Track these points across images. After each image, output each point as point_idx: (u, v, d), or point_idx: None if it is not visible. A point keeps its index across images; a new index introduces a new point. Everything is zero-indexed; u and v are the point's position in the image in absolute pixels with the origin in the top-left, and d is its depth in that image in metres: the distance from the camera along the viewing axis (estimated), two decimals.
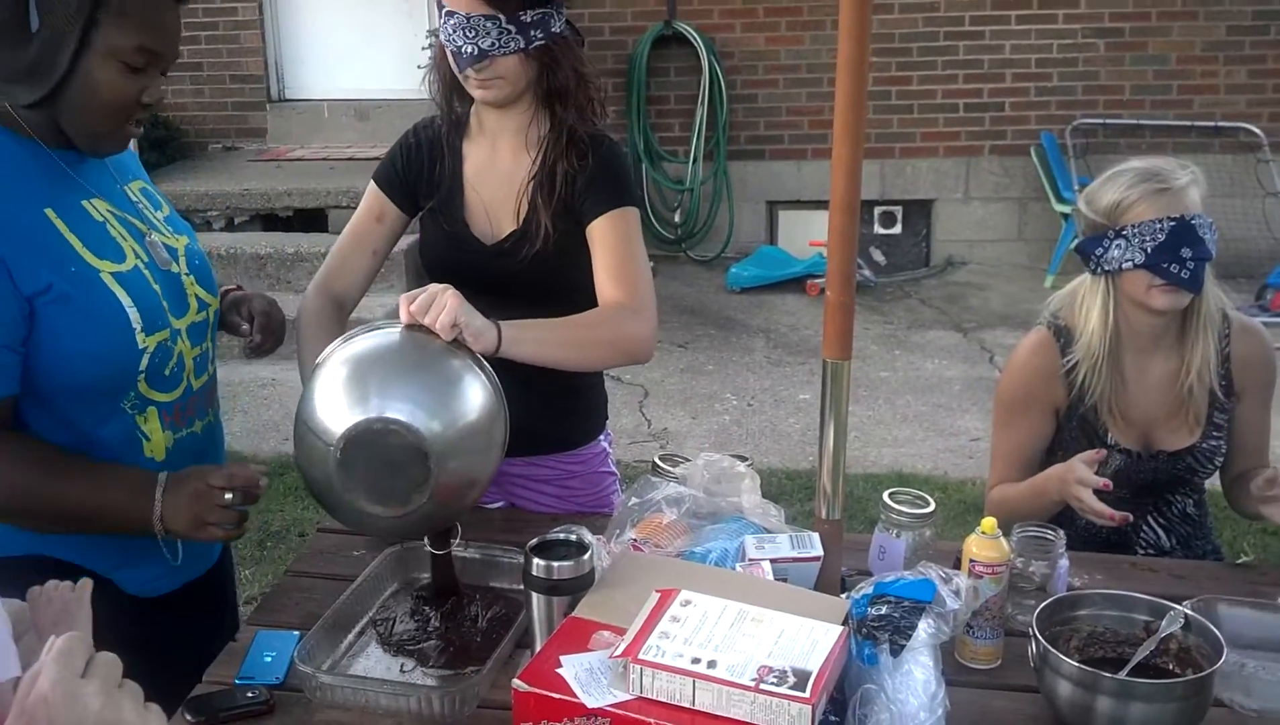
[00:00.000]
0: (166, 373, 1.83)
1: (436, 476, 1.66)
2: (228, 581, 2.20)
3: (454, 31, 2.04)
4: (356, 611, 1.93)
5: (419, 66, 2.25)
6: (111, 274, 1.75)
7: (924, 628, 1.69)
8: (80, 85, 1.66)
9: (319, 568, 2.14)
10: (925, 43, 7.45)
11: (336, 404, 1.68)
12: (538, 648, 1.74)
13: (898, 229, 7.79)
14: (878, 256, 7.77)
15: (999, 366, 6.08)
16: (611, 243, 2.10)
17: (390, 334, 1.77)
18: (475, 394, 1.75)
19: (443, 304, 1.76)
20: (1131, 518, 2.21)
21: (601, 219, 2.12)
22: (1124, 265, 2.23)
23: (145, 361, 1.78)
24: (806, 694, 1.46)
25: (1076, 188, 7.12)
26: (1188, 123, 7.31)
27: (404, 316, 1.78)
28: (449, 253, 2.21)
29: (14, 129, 1.72)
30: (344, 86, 7.73)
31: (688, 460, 2.16)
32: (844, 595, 1.80)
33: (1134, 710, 1.61)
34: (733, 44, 7.47)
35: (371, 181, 2.28)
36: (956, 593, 1.74)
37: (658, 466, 2.14)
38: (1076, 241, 2.35)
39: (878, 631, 1.68)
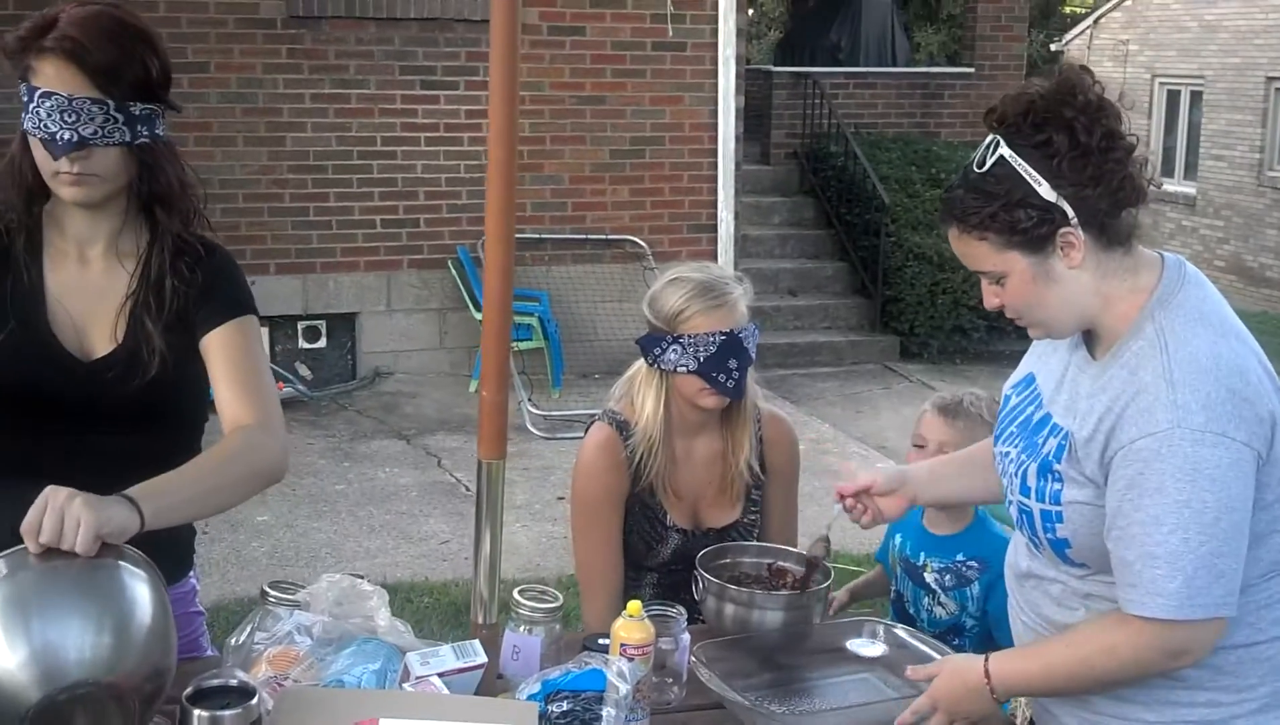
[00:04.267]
0: None
1: (138, 711, 1.49)
2: None
3: (48, 116, 1.80)
4: None
5: None
6: None
7: (606, 716, 1.74)
8: None
9: None
10: (340, 161, 7.56)
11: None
12: None
13: (323, 343, 7.75)
14: (304, 371, 7.67)
15: (448, 469, 6.25)
16: (233, 355, 1.94)
17: (23, 571, 1.54)
18: (143, 597, 1.58)
19: (75, 519, 1.55)
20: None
21: (220, 330, 1.95)
22: (679, 368, 2.43)
23: None
24: None
25: None
26: (583, 236, 8.03)
27: (33, 548, 1.55)
28: (32, 374, 1.91)
29: None
30: None
31: (298, 586, 2.04)
32: (511, 697, 1.80)
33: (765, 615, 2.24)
34: None
35: None
36: (622, 675, 1.81)
37: (270, 594, 2.00)
38: (640, 337, 2.52)
39: None
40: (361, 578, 2.04)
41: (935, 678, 1.89)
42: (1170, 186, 14.79)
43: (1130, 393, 1.72)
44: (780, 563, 2.42)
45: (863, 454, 6.84)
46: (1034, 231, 1.71)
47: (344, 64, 7.55)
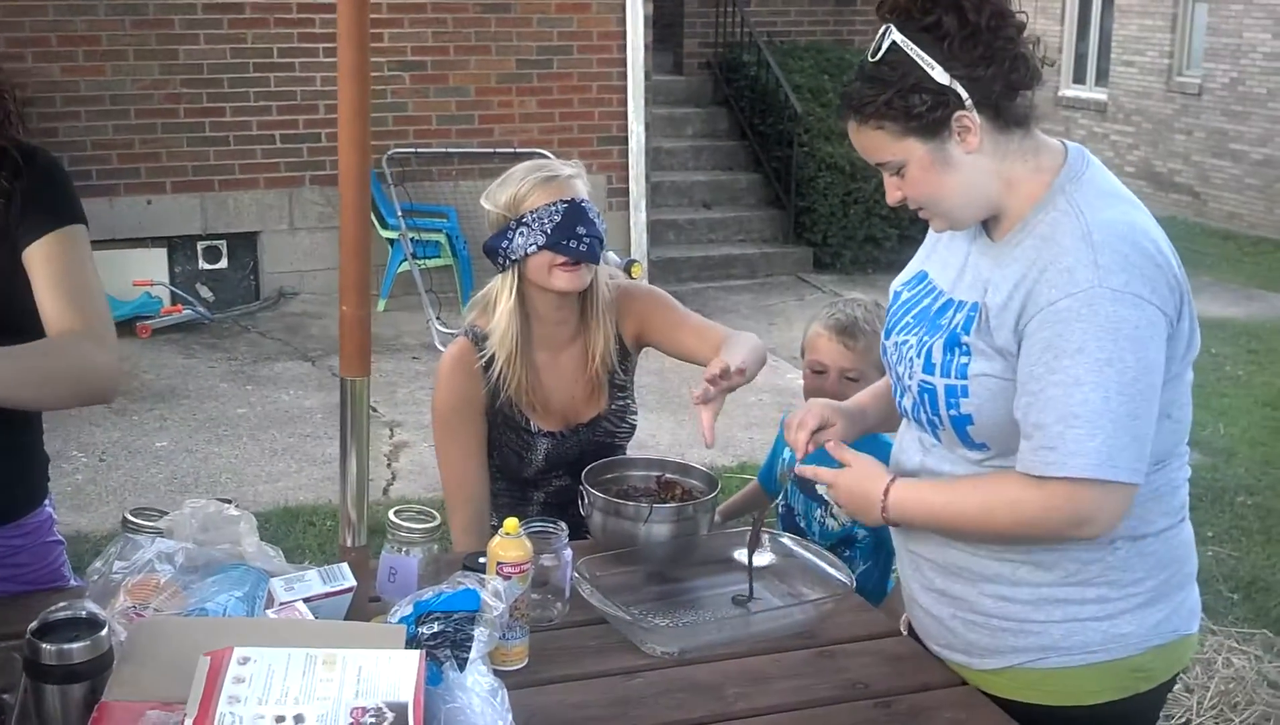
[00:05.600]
0: None
1: None
2: None
3: None
4: None
5: None
6: None
7: (479, 636, 1.69)
8: None
9: None
10: (235, 74, 7.31)
11: None
12: None
13: (224, 263, 7.55)
14: (205, 293, 7.48)
15: None
16: (59, 265, 1.83)
17: None
18: None
19: None
20: None
21: (42, 241, 1.84)
22: (529, 250, 2.35)
23: None
24: None
25: (400, 214, 7.40)
26: (490, 150, 7.87)
27: None
28: None
29: None
30: None
31: (163, 513, 1.96)
32: (385, 620, 1.75)
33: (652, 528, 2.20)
34: (22, 75, 6.75)
35: None
36: (497, 595, 1.76)
37: (131, 522, 1.92)
38: (485, 242, 2.45)
39: (437, 649, 1.65)
40: (229, 502, 1.97)
41: (848, 465, 1.90)
42: (1082, 93, 14.86)
43: (1049, 256, 1.69)
44: (669, 475, 2.38)
45: (774, 365, 6.84)
46: (929, 116, 1.69)
47: None
